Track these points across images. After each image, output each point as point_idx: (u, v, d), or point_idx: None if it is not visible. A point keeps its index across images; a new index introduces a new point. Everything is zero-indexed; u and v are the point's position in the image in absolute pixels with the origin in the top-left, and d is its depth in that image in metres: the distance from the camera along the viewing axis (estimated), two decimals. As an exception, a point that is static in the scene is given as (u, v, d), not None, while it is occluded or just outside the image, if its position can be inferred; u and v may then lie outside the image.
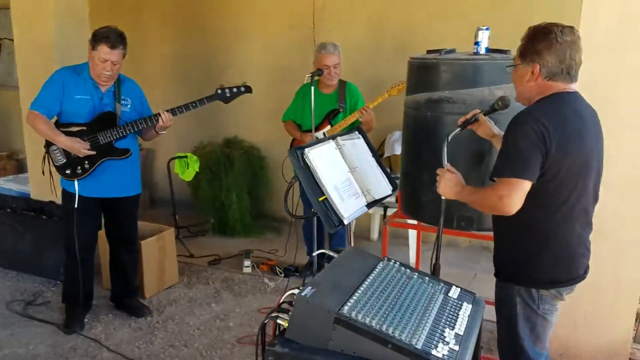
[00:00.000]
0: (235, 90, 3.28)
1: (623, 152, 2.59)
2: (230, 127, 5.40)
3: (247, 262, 4.25)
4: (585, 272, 2.04)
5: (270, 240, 4.90)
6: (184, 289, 3.95)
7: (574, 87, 1.92)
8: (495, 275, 2.09)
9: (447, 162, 2.19)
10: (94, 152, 3.06)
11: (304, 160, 2.16)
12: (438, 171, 2.15)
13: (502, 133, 2.25)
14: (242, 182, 4.95)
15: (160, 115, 3.10)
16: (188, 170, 4.45)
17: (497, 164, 1.87)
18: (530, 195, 1.80)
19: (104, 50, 2.97)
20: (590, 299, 2.80)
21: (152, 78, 5.48)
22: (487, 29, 2.66)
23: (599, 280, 2.31)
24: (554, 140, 1.76)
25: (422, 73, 2.79)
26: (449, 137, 2.21)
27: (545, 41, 1.84)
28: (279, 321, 1.59)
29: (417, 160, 2.86)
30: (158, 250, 3.84)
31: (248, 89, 3.31)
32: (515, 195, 1.77)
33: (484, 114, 2.26)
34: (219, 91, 3.26)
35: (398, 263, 1.92)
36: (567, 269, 1.96)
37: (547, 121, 1.77)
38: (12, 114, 5.88)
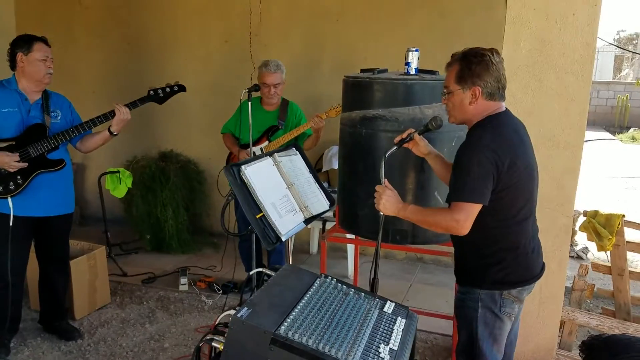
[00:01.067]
0: (168, 89, 3.20)
1: (543, 169, 2.74)
2: (165, 141, 5.29)
3: (183, 280, 4.16)
4: (542, 269, 2.21)
5: (208, 256, 4.82)
6: (117, 309, 3.81)
7: (504, 105, 2.09)
8: (458, 282, 2.20)
9: (385, 178, 2.24)
10: (25, 165, 2.94)
11: (240, 177, 2.16)
12: (377, 188, 2.20)
13: (437, 152, 2.39)
14: (179, 197, 4.85)
15: (115, 107, 3.03)
16: (120, 186, 4.31)
17: (453, 188, 2.00)
18: (490, 209, 1.96)
19: (42, 48, 2.97)
20: (517, 309, 2.92)
21: (84, 91, 5.29)
22: (416, 50, 2.77)
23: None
24: (505, 162, 1.93)
25: (357, 91, 2.87)
26: (386, 155, 2.27)
27: (482, 64, 1.98)
28: (214, 344, 1.57)
29: (353, 176, 2.92)
30: (89, 270, 3.69)
31: (182, 88, 3.23)
32: (470, 218, 1.94)
33: (419, 133, 2.35)
34: (151, 92, 3.18)
35: (335, 280, 1.95)
36: (528, 268, 2.12)
37: (496, 146, 1.93)
38: None
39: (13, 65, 2.98)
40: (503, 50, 2.72)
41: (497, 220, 2.02)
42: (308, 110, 3.95)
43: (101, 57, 5.43)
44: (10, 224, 2.97)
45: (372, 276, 2.33)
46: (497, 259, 2.07)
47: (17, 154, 2.92)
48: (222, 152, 4.08)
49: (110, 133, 3.13)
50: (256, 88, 3.59)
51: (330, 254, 4.58)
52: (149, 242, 4.90)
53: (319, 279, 1.91)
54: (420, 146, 2.36)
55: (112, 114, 3.07)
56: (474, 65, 1.98)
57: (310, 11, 4.73)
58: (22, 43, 2.95)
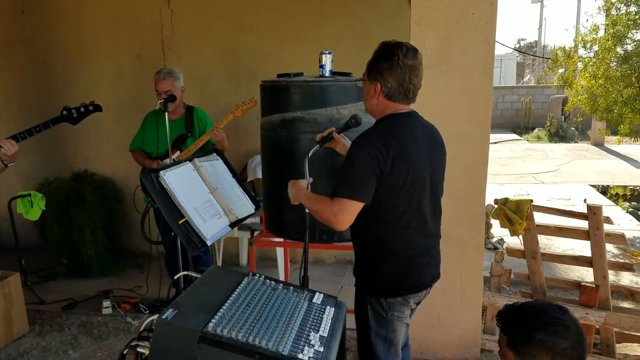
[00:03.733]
0: (82, 109, 3.04)
1: (455, 163, 2.88)
2: (78, 160, 5.07)
3: (106, 303, 3.97)
4: (433, 279, 2.16)
5: (131, 277, 4.64)
6: (36, 338, 3.58)
7: (411, 107, 2.06)
8: (355, 284, 2.19)
9: (309, 176, 2.27)
10: None
11: (159, 183, 2.12)
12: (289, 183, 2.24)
13: None
14: (96, 217, 4.63)
15: (1, 144, 2.81)
16: (33, 209, 4.05)
17: (336, 182, 1.99)
18: (370, 212, 1.93)
19: None
20: (442, 300, 3.04)
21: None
22: (329, 52, 2.85)
23: (447, 281, 2.51)
24: (389, 162, 1.89)
25: (275, 95, 2.91)
26: (310, 154, 2.31)
27: (387, 62, 1.94)
28: (139, 350, 1.52)
29: (277, 178, 2.93)
30: (3, 299, 3.45)
31: (97, 107, 3.09)
32: (346, 213, 1.90)
33: (338, 132, 2.39)
34: (64, 112, 3.01)
35: (263, 277, 1.95)
36: (410, 277, 2.06)
37: (382, 144, 1.89)
38: None
39: None
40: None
41: (377, 223, 1.99)
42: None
43: (6, 78, 5.13)
44: None
45: (302, 273, 2.36)
46: (376, 263, 2.04)
47: None
48: (138, 169, 3.97)
49: (5, 165, 2.93)
50: (172, 99, 3.53)
51: (260, 264, 4.56)
52: (67, 267, 4.64)
53: (247, 277, 1.91)
54: (341, 144, 2.39)
55: None
56: (381, 61, 1.97)
57: (224, 22, 4.73)
58: None
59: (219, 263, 3.77)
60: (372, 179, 1.90)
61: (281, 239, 3.36)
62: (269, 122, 2.91)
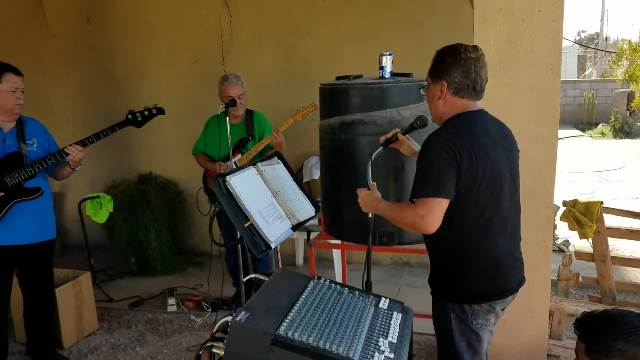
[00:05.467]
0: (146, 113, 3.17)
1: (522, 163, 2.80)
2: (143, 163, 5.26)
3: (171, 301, 4.11)
4: (520, 283, 2.07)
5: (193, 275, 4.78)
6: (105, 335, 3.74)
7: (479, 104, 2.02)
8: (431, 293, 2.11)
9: (372, 182, 2.24)
10: (1, 194, 2.88)
11: (226, 188, 2.17)
12: (357, 190, 2.22)
13: None
14: (161, 218, 4.81)
15: (66, 150, 2.97)
16: (101, 211, 4.26)
17: (415, 184, 1.92)
18: (450, 213, 1.86)
19: (12, 79, 2.92)
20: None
21: (57, 119, 5.23)
22: (389, 54, 2.83)
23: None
24: (465, 156, 1.83)
25: (334, 98, 2.91)
26: (373, 156, 2.28)
27: (450, 57, 1.93)
28: (214, 350, 1.56)
29: (336, 181, 2.94)
30: (75, 297, 3.63)
31: (160, 110, 3.21)
32: (434, 214, 1.83)
33: (403, 133, 2.35)
34: (130, 116, 3.14)
35: (328, 280, 1.96)
36: (495, 282, 1.97)
37: (456, 140, 1.85)
38: None
39: None
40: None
41: (458, 224, 1.93)
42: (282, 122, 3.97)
43: (73, 84, 5.38)
44: None
45: (365, 279, 2.35)
46: (459, 268, 1.97)
47: None
48: (200, 171, 4.09)
49: (72, 168, 3.08)
50: (233, 103, 3.61)
51: (317, 264, 4.57)
52: (134, 265, 4.84)
53: (312, 281, 1.92)
54: (406, 145, 2.35)
55: (65, 152, 2.99)
56: (444, 58, 1.95)
57: (280, 26, 4.79)
58: None
59: (279, 260, 3.80)
60: (452, 173, 1.84)
61: (339, 241, 3.36)
62: (328, 124, 2.92)
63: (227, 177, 2.19)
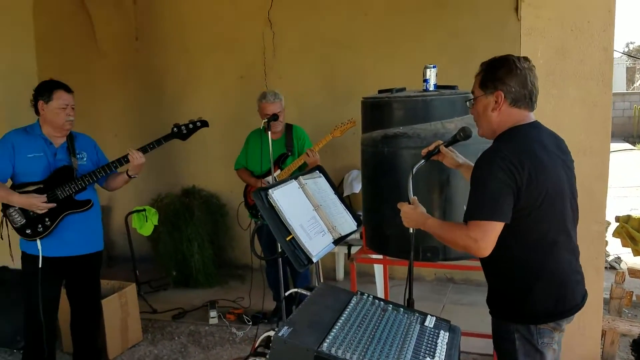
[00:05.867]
0: (191, 126, 3.23)
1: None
2: (187, 177, 5.36)
3: (212, 313, 4.14)
4: (584, 298, 1.99)
5: (234, 288, 4.81)
6: (149, 347, 3.80)
7: (533, 116, 1.95)
8: (491, 313, 2.03)
9: (414, 196, 2.19)
10: (53, 205, 2.98)
11: (268, 201, 2.17)
12: (398, 205, 2.17)
13: (468, 162, 2.28)
14: (203, 231, 4.88)
15: (129, 153, 3.06)
16: (147, 224, 4.34)
17: (469, 205, 1.85)
18: (511, 231, 1.79)
19: (63, 96, 3.00)
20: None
21: (106, 134, 5.38)
22: (434, 66, 2.80)
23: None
24: (525, 175, 1.76)
25: (376, 111, 2.89)
26: (414, 170, 2.24)
27: (505, 67, 1.87)
28: (257, 365, 1.55)
29: (378, 195, 2.91)
30: (120, 308, 3.70)
31: (204, 123, 3.26)
32: (487, 237, 1.76)
33: (446, 145, 2.30)
34: (175, 129, 3.21)
35: (371, 296, 1.92)
36: (563, 299, 1.91)
37: (514, 157, 1.77)
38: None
39: (37, 111, 3.05)
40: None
41: (521, 244, 1.85)
42: (323, 136, 3.97)
43: (121, 100, 5.56)
44: (40, 265, 2.99)
45: (407, 296, 2.30)
46: (524, 288, 1.87)
47: (45, 195, 2.97)
48: (242, 185, 4.13)
49: (129, 176, 3.18)
50: (274, 118, 3.63)
51: (358, 279, 4.51)
52: (176, 278, 4.92)
53: (355, 296, 1.89)
54: (449, 158, 2.30)
55: (125, 158, 3.10)
56: (496, 69, 1.89)
57: (322, 40, 4.82)
58: (43, 91, 3.01)
59: (321, 274, 3.78)
60: (509, 195, 1.76)
61: (380, 256, 3.32)
62: (370, 138, 2.90)
63: (270, 190, 2.20)
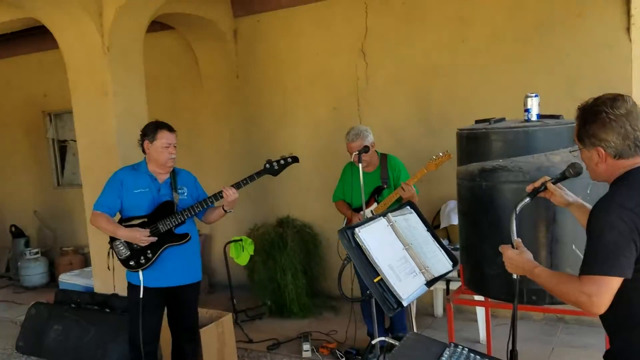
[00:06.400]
0: (282, 162, 3.29)
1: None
2: (282, 207, 5.46)
3: (306, 346, 4.12)
4: None
5: (328, 319, 4.77)
6: (244, 378, 3.84)
7: None
8: None
9: (517, 238, 2.01)
10: (155, 239, 3.14)
11: (354, 240, 2.10)
12: (500, 248, 2.01)
13: (580, 201, 2.11)
14: (297, 261, 4.91)
15: (223, 191, 3.17)
16: (243, 254, 4.47)
17: (585, 258, 1.70)
18: (632, 286, 1.64)
19: (166, 135, 3.18)
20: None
21: (207, 167, 5.67)
22: (536, 95, 2.63)
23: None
24: None
25: (473, 143, 2.75)
26: (518, 208, 2.05)
27: (596, 122, 1.71)
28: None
29: (476, 232, 2.75)
30: (217, 338, 3.78)
31: (295, 159, 3.31)
32: (603, 294, 1.62)
33: (554, 182, 2.10)
34: (267, 165, 3.29)
35: (467, 349, 1.78)
36: None
37: (634, 205, 1.62)
38: (76, 211, 6.18)
39: (143, 150, 3.25)
40: (633, 88, 2.47)
41: None
42: (418, 165, 3.83)
43: (222, 135, 5.82)
44: (141, 295, 3.15)
45: (510, 348, 2.10)
46: None
47: (148, 229, 3.14)
48: (335, 215, 4.12)
49: (225, 211, 3.28)
50: (366, 150, 3.57)
51: (458, 316, 4.30)
52: (271, 307, 4.97)
53: (448, 349, 1.76)
54: (557, 195, 2.10)
55: (221, 194, 3.19)
56: (588, 124, 1.73)
57: (416, 69, 4.73)
58: (149, 131, 3.21)
59: (414, 315, 3.64)
60: (630, 247, 1.60)
61: (482, 297, 3.11)
62: (467, 171, 2.75)
63: (356, 229, 2.13)
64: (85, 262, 6.19)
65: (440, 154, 3.49)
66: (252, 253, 4.50)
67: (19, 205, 7.20)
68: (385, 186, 3.74)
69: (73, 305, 4.29)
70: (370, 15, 4.86)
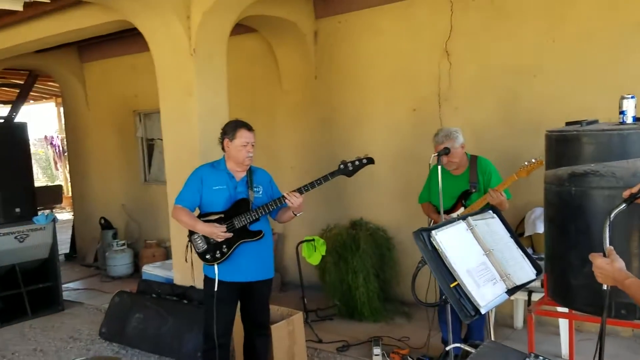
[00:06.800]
0: (357, 163, 3.25)
1: None
2: (355, 208, 5.41)
3: (376, 350, 4.04)
4: None
5: (400, 325, 4.67)
6: (313, 377, 3.84)
7: None
8: None
9: (609, 246, 1.88)
10: (230, 235, 3.21)
11: (431, 243, 2.04)
12: (590, 256, 1.88)
13: None
14: (369, 264, 4.84)
15: (285, 196, 3.19)
16: (315, 254, 4.48)
17: None
18: None
19: (245, 134, 3.24)
20: None
21: (283, 166, 5.75)
22: (632, 97, 2.46)
23: None
24: None
25: (563, 146, 2.60)
26: (612, 215, 1.91)
27: None
28: None
29: (564, 240, 2.60)
30: (288, 335, 3.81)
31: (370, 161, 3.25)
32: None
33: None
34: (342, 166, 3.26)
35: (547, 361, 1.67)
36: None
37: None
38: (160, 206, 6.47)
39: (223, 147, 3.34)
40: None
41: None
42: (505, 169, 3.68)
43: (299, 135, 5.88)
44: (215, 288, 3.23)
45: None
46: None
47: (225, 225, 3.22)
48: (411, 218, 4.04)
49: (294, 214, 3.30)
50: (446, 151, 3.47)
51: (539, 328, 4.07)
52: (341, 308, 4.94)
53: (527, 359, 1.65)
54: None
55: (284, 199, 3.19)
56: None
57: (503, 69, 4.54)
58: (229, 129, 3.29)
59: (492, 325, 3.47)
60: None
61: (565, 309, 2.92)
62: (555, 175, 2.60)
63: (433, 231, 2.06)
64: (167, 255, 6.46)
65: (533, 160, 3.30)
66: (324, 253, 4.50)
67: (108, 199, 7.65)
68: (473, 190, 3.59)
69: (154, 295, 4.48)
70: (455, 14, 4.72)
